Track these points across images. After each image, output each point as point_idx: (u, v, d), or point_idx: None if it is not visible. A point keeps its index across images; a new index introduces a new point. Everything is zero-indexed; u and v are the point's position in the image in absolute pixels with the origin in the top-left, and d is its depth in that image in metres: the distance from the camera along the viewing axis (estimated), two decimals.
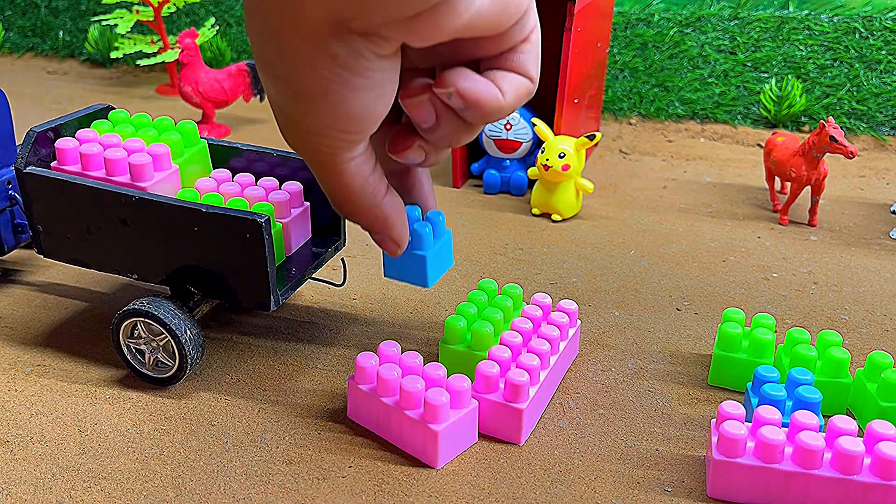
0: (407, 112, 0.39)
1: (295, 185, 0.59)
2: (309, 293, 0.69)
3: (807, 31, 1.22)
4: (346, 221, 0.63)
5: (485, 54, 0.38)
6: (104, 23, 1.36)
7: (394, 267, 0.52)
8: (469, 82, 0.36)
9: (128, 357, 0.56)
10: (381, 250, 0.49)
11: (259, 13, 0.33)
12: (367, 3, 0.31)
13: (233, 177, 0.61)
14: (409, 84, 0.38)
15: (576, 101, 0.93)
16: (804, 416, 0.46)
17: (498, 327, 0.56)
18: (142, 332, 0.54)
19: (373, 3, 0.31)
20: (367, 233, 0.44)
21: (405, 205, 0.47)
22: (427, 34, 0.33)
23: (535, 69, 0.39)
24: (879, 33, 1.19)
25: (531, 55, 0.38)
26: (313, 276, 0.58)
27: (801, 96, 1.15)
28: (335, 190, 0.40)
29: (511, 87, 0.38)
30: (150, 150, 0.56)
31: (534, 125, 0.86)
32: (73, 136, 0.58)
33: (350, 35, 0.32)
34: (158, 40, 1.26)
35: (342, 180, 0.39)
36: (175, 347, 0.53)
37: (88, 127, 0.60)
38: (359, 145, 0.38)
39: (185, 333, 0.53)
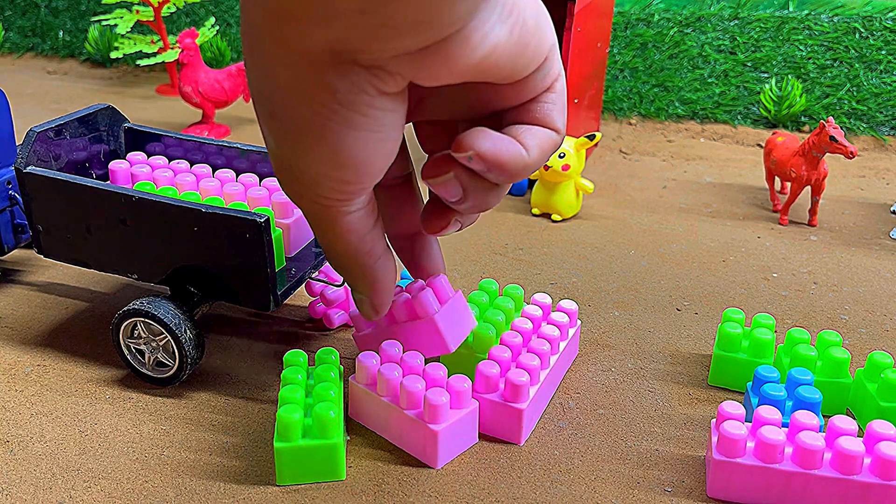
0: (433, 191, 0.36)
1: None
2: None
3: (807, 31, 1.22)
4: None
5: (506, 105, 0.35)
6: (104, 23, 1.36)
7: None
8: (488, 143, 0.33)
9: (128, 357, 0.56)
10: None
11: (256, 42, 0.29)
12: (373, 31, 0.27)
13: (237, 178, 0.61)
14: (429, 162, 0.35)
15: (576, 101, 0.93)
16: (804, 416, 0.46)
17: (500, 329, 0.56)
18: (142, 332, 0.54)
19: (380, 31, 0.27)
20: (350, 288, 0.41)
21: (415, 270, 0.45)
22: (437, 71, 0.29)
23: (560, 120, 0.35)
24: (879, 33, 1.19)
25: (556, 105, 0.35)
26: (313, 276, 0.58)
27: (801, 96, 1.15)
28: (330, 244, 0.37)
29: (535, 141, 0.34)
30: None
31: None
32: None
33: (352, 67, 0.28)
34: (158, 40, 1.26)
35: (337, 234, 0.36)
36: (175, 347, 0.53)
37: (86, 127, 0.61)
38: (357, 198, 0.34)
39: (185, 333, 0.53)
